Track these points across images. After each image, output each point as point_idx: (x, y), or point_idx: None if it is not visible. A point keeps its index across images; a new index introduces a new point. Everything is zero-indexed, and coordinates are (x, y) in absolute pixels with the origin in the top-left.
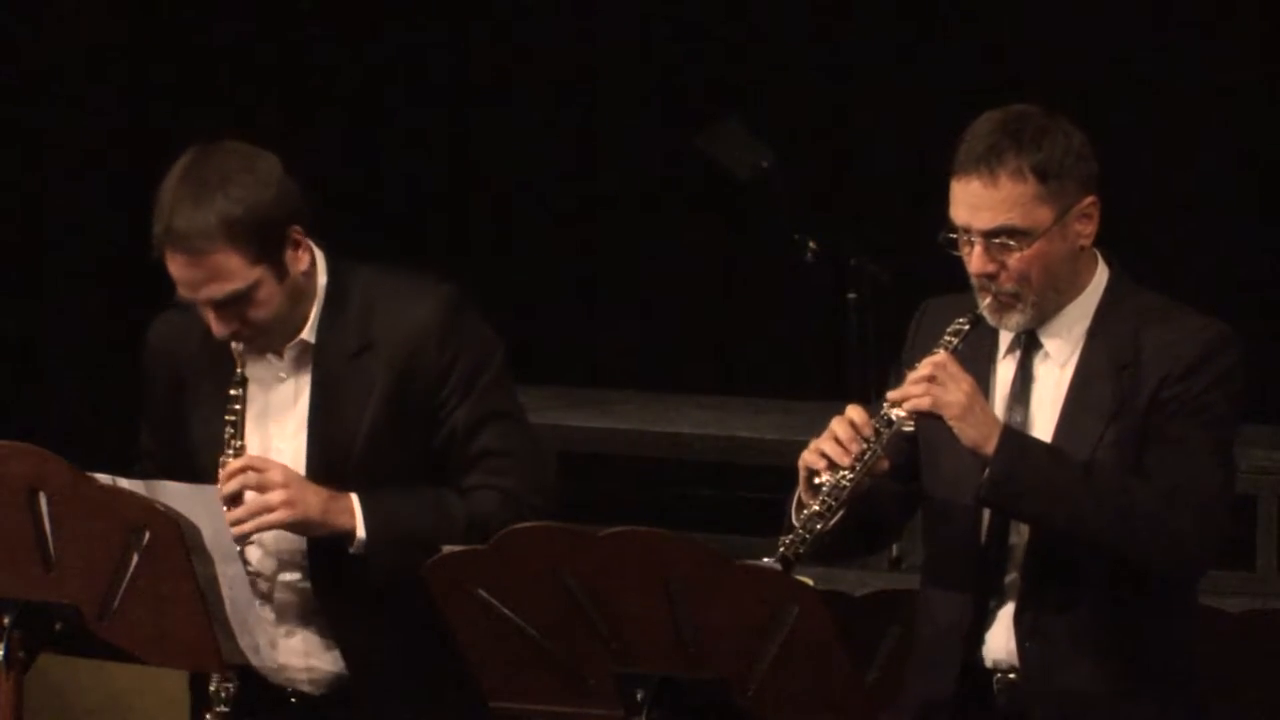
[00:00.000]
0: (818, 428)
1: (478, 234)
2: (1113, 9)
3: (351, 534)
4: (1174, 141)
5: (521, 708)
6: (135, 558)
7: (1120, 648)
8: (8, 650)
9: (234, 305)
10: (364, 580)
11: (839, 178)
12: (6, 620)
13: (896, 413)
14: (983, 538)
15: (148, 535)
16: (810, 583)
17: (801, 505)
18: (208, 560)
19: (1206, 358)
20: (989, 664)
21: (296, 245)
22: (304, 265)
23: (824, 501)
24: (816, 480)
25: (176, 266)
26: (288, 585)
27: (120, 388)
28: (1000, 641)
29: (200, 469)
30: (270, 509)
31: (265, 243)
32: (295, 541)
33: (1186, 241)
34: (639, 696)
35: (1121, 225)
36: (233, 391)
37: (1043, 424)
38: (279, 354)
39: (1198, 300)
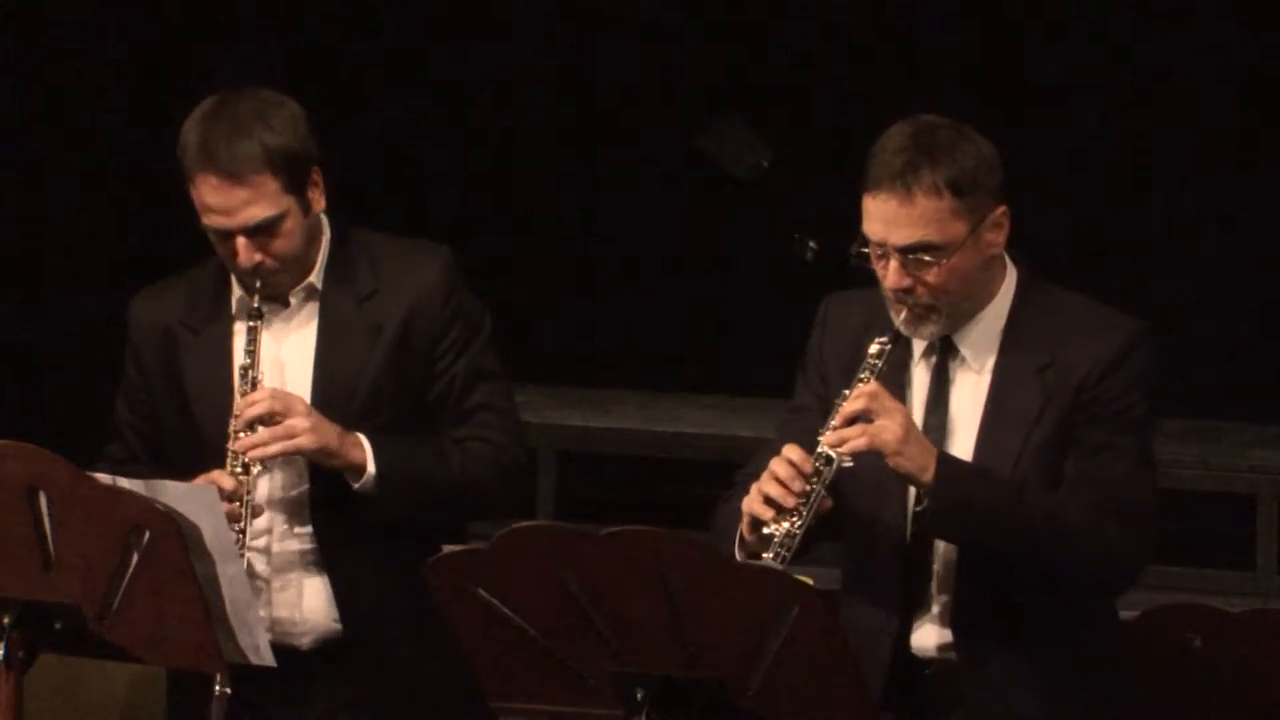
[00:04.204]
0: None
1: (477, 233)
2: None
3: (362, 468)
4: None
5: (522, 708)
6: (135, 558)
7: (1047, 642)
8: (8, 650)
9: (263, 233)
10: (365, 527)
11: (839, 178)
12: (6, 620)
13: (834, 449)
14: (907, 540)
15: (148, 535)
16: (810, 582)
17: (744, 544)
18: (208, 560)
19: (1123, 357)
20: (922, 658)
21: (316, 186)
22: (320, 206)
23: (777, 554)
24: (766, 530)
25: (213, 191)
26: (291, 535)
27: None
28: (929, 640)
29: (196, 418)
30: (295, 434)
31: (295, 176)
32: (297, 488)
33: (1185, 238)
34: (639, 696)
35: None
36: (250, 323)
37: (963, 429)
38: (285, 303)
39: (1202, 298)
